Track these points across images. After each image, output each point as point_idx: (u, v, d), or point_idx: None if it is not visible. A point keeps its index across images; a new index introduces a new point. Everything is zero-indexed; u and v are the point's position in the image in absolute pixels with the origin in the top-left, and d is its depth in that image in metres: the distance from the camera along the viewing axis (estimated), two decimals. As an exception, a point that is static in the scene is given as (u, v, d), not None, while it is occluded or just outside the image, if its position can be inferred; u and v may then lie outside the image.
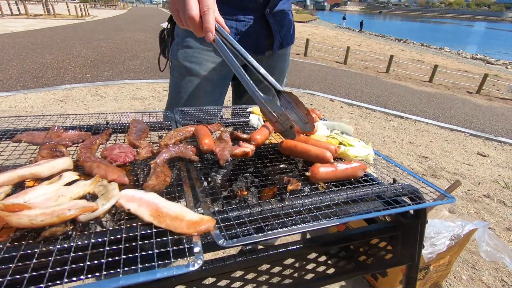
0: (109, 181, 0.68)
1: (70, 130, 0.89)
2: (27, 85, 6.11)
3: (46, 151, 0.76)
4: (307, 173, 0.79)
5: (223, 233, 0.55)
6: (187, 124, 1.09)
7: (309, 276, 0.77)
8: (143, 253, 0.49)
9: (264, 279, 0.72)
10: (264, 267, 0.70)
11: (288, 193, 0.71)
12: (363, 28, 34.71)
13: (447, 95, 9.01)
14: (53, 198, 0.60)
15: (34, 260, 0.46)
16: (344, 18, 39.70)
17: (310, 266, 0.76)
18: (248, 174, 0.92)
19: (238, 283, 0.68)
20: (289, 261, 0.72)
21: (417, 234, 0.85)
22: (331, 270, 0.80)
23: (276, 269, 0.71)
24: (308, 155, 0.91)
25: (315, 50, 14.44)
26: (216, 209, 0.63)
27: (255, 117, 1.19)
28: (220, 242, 0.52)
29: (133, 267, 0.46)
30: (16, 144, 0.85)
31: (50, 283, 0.43)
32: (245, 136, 1.00)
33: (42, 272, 0.44)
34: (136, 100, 5.81)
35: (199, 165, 0.92)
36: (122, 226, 0.55)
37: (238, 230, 0.56)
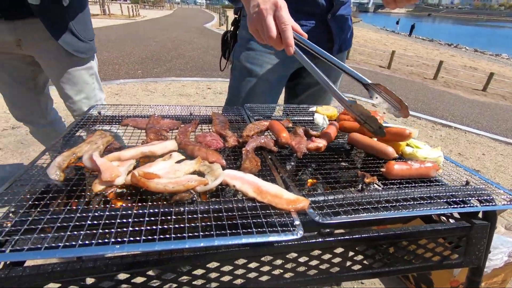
0: (210, 162, 0.79)
1: (166, 119, 1.03)
2: (88, 79, 6.73)
3: (153, 134, 0.91)
4: (382, 169, 0.85)
5: (316, 212, 0.63)
6: (259, 119, 1.20)
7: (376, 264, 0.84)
8: (254, 220, 0.59)
9: (337, 261, 0.79)
10: (339, 250, 0.77)
11: (365, 185, 0.78)
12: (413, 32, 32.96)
13: (504, 106, 8.33)
14: (171, 172, 0.72)
15: (173, 216, 0.58)
16: (397, 23, 37.53)
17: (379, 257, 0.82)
18: (312, 168, 1.00)
19: (315, 261, 0.76)
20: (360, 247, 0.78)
21: (485, 237, 0.87)
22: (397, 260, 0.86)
23: (350, 253, 0.79)
24: (371, 148, 0.98)
25: (357, 53, 14.08)
26: (304, 192, 0.72)
27: (320, 117, 1.26)
28: (317, 218, 0.61)
29: (249, 231, 0.56)
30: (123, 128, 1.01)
31: (190, 234, 0.54)
32: (314, 132, 1.08)
33: (182, 225, 0.56)
34: (182, 96, 6.13)
35: (275, 155, 1.02)
36: (232, 199, 0.66)
37: (328, 211, 0.65)
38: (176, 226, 0.56)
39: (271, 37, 0.95)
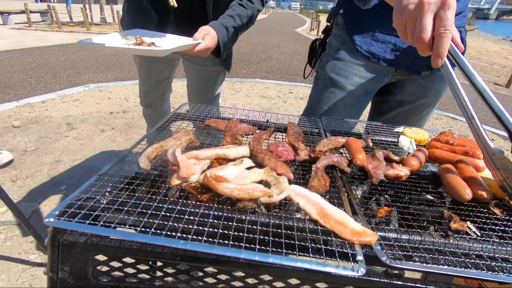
0: (278, 174, 0.80)
1: (243, 123, 1.08)
2: (177, 76, 7.57)
3: (229, 138, 0.96)
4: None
5: (384, 251, 0.57)
6: (336, 134, 1.14)
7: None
8: (313, 245, 0.57)
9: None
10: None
11: (450, 230, 0.66)
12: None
13: None
14: (239, 177, 0.75)
15: (234, 223, 0.60)
16: None
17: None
18: (388, 197, 0.90)
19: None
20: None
21: None
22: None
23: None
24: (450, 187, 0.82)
25: (466, 66, 12.13)
26: (373, 225, 0.65)
27: (407, 140, 1.13)
28: (384, 258, 0.54)
29: (305, 254, 0.54)
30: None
31: (247, 244, 0.55)
32: (396, 158, 0.98)
33: (241, 234, 0.58)
34: (264, 98, 6.34)
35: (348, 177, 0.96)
36: (293, 216, 0.65)
37: (400, 252, 0.57)
38: (235, 233, 0.58)
39: (421, 39, 0.77)
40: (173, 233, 0.56)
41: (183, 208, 0.63)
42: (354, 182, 0.94)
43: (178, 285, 0.70)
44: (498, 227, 0.71)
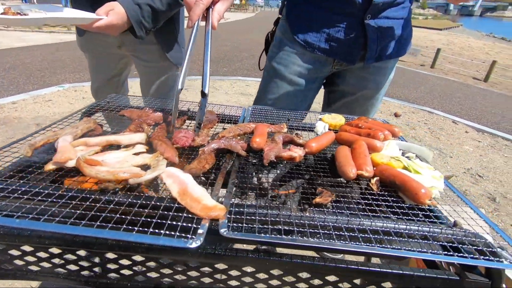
0: (164, 158, 0.81)
1: (157, 112, 1.09)
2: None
3: (133, 126, 0.97)
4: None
5: (229, 224, 0.58)
6: (255, 121, 1.16)
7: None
8: (158, 220, 0.58)
9: (275, 284, 0.71)
10: (276, 272, 0.70)
11: (313, 205, 0.68)
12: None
13: None
14: (120, 162, 0.76)
15: (88, 202, 0.61)
16: None
17: (330, 289, 0.71)
18: (291, 178, 0.92)
19: (249, 279, 0.71)
20: (305, 274, 0.69)
21: (483, 300, 0.67)
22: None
23: (290, 278, 0.70)
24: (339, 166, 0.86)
25: (446, 62, 12.37)
26: (236, 201, 0.67)
27: (321, 125, 1.15)
28: (222, 230, 0.56)
29: (146, 229, 0.55)
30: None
31: (88, 221, 0.56)
32: (300, 141, 0.99)
33: (87, 212, 0.58)
34: (243, 95, 6.34)
35: (254, 161, 0.97)
36: (154, 196, 0.66)
37: (246, 225, 0.59)
38: (83, 212, 0.58)
39: (185, 2, 1.02)
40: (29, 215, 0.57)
41: (40, 191, 0.64)
42: (267, 167, 0.96)
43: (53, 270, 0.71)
44: (371, 202, 0.73)
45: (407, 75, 9.71)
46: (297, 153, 0.88)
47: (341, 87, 1.72)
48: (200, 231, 0.57)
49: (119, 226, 0.55)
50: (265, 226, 0.60)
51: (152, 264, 0.71)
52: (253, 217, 0.62)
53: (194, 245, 0.53)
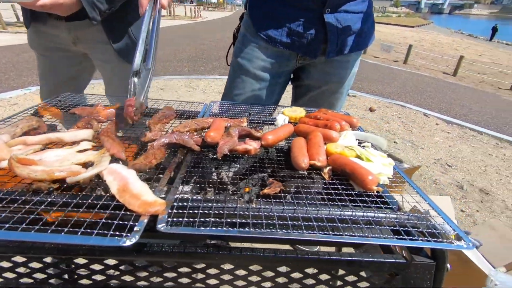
0: (111, 155, 0.77)
1: (110, 109, 1.04)
2: (140, 74, 7.30)
3: (82, 123, 0.92)
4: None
5: (169, 219, 0.56)
6: (217, 117, 1.13)
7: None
8: (92, 219, 0.55)
9: (227, 278, 0.70)
10: (227, 266, 0.68)
11: (260, 196, 0.67)
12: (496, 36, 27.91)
13: None
14: (61, 160, 0.72)
15: (16, 204, 0.57)
16: (495, 30, 28.88)
17: (282, 280, 0.70)
18: (251, 172, 0.90)
19: (200, 275, 0.69)
20: (256, 267, 0.68)
21: (429, 279, 0.69)
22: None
23: (241, 272, 0.69)
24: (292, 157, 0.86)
25: (418, 58, 12.84)
26: (180, 196, 0.65)
27: (282, 118, 1.15)
28: (159, 226, 0.54)
29: (77, 230, 0.52)
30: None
31: (17, 225, 0.52)
32: (258, 134, 0.98)
33: (20, 215, 0.54)
34: (221, 94, 6.27)
35: (214, 156, 0.95)
36: (93, 194, 0.63)
37: (187, 220, 0.57)
38: (19, 215, 0.54)
39: None
40: None
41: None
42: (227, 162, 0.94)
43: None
44: (321, 191, 0.73)
45: (381, 71, 9.98)
46: (251, 145, 0.87)
47: (306, 82, 1.73)
48: (136, 228, 0.54)
49: (47, 228, 0.52)
50: (207, 219, 0.58)
51: (97, 266, 0.68)
52: (195, 211, 0.60)
53: (128, 243, 0.51)
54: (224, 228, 0.56)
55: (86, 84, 1.93)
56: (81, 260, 0.64)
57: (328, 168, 0.81)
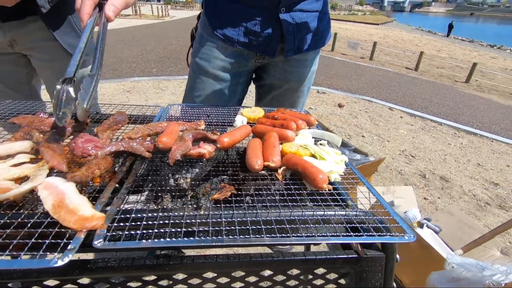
0: (50, 167, 0.72)
1: (51, 118, 0.97)
2: (104, 76, 6.99)
3: (21, 133, 0.85)
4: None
5: (108, 234, 0.53)
6: (177, 120, 1.10)
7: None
8: (20, 240, 0.50)
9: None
10: (180, 276, 0.66)
11: (211, 201, 0.65)
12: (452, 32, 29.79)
13: (545, 113, 7.47)
14: (-8, 175, 0.65)
15: None
16: (451, 27, 30.53)
17: (238, 285, 0.70)
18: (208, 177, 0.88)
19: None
20: (210, 274, 0.66)
21: (380, 271, 0.71)
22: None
23: (195, 280, 0.67)
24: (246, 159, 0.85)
25: (383, 54, 13.41)
26: (124, 207, 0.62)
27: (240, 119, 1.14)
28: (96, 242, 0.50)
29: (7, 252, 0.47)
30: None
31: None
32: (214, 137, 0.97)
33: None
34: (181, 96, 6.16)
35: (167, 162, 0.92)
36: (25, 212, 0.58)
37: (128, 233, 0.54)
38: None
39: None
40: None
41: None
42: (185, 168, 0.91)
43: None
44: (273, 192, 0.73)
45: (349, 68, 10.31)
46: (206, 149, 0.85)
47: (268, 81, 1.73)
48: (70, 246, 0.50)
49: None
50: (150, 231, 0.56)
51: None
52: (138, 223, 0.57)
53: (60, 263, 0.47)
54: (168, 239, 0.54)
55: (36, 89, 1.75)
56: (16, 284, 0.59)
57: (282, 168, 0.81)
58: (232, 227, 0.59)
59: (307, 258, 0.68)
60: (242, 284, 0.71)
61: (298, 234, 0.60)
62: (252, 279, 0.70)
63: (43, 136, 0.88)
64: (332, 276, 0.73)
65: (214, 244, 0.54)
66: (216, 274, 0.68)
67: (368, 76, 9.35)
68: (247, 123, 1.14)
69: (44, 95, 1.81)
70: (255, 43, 1.49)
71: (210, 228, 0.58)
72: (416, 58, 11.50)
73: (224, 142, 0.91)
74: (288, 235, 0.58)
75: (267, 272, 0.71)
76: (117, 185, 0.73)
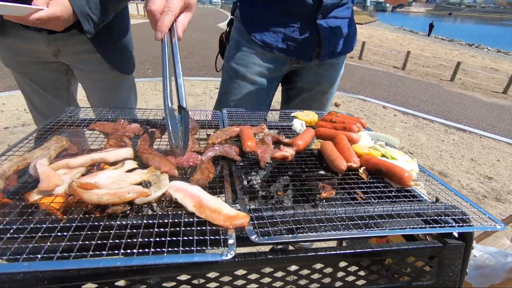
0: (162, 172, 0.77)
1: (133, 123, 1.02)
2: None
3: (113, 140, 0.89)
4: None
5: (256, 230, 0.59)
6: (234, 124, 1.16)
7: (338, 284, 0.78)
8: (185, 238, 0.56)
9: (292, 279, 0.75)
10: (293, 267, 0.73)
11: (322, 200, 0.73)
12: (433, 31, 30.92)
13: (525, 110, 7.92)
14: (116, 181, 0.70)
15: (99, 231, 0.56)
16: (432, 27, 31.58)
17: (340, 274, 0.77)
18: (286, 177, 0.95)
19: (267, 279, 0.73)
20: (318, 265, 0.74)
21: (460, 257, 0.81)
22: (361, 282, 0.80)
23: (305, 271, 0.74)
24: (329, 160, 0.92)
25: (371, 53, 13.76)
26: (252, 207, 0.68)
27: (298, 122, 1.21)
28: (253, 237, 0.57)
29: (175, 249, 0.53)
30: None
31: (110, 251, 0.51)
32: (286, 140, 1.04)
33: (105, 242, 0.53)
34: (189, 96, 6.16)
35: (241, 164, 0.98)
36: (170, 213, 0.63)
37: (270, 229, 0.61)
38: (99, 242, 0.53)
39: (149, 11, 0.87)
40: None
41: (37, 226, 0.56)
42: (254, 168, 0.97)
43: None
44: (366, 190, 0.82)
45: (340, 67, 10.52)
46: (288, 152, 0.92)
47: (299, 84, 1.82)
48: (230, 241, 0.57)
49: (146, 251, 0.52)
50: (285, 226, 0.63)
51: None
52: (272, 220, 0.64)
53: (229, 256, 0.53)
54: (314, 233, 0.61)
55: (75, 94, 1.80)
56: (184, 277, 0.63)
57: (362, 168, 0.89)
58: (344, 222, 0.67)
59: (401, 248, 0.77)
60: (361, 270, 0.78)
61: (397, 227, 0.69)
62: (353, 268, 0.78)
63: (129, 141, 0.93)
64: (419, 264, 0.82)
65: (340, 237, 0.61)
66: (323, 265, 0.75)
67: (359, 75, 9.59)
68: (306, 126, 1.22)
69: (80, 100, 1.83)
70: (293, 49, 1.57)
71: (327, 224, 0.66)
72: (403, 57, 11.88)
73: (300, 145, 0.98)
74: (390, 227, 0.67)
75: (365, 263, 0.79)
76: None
